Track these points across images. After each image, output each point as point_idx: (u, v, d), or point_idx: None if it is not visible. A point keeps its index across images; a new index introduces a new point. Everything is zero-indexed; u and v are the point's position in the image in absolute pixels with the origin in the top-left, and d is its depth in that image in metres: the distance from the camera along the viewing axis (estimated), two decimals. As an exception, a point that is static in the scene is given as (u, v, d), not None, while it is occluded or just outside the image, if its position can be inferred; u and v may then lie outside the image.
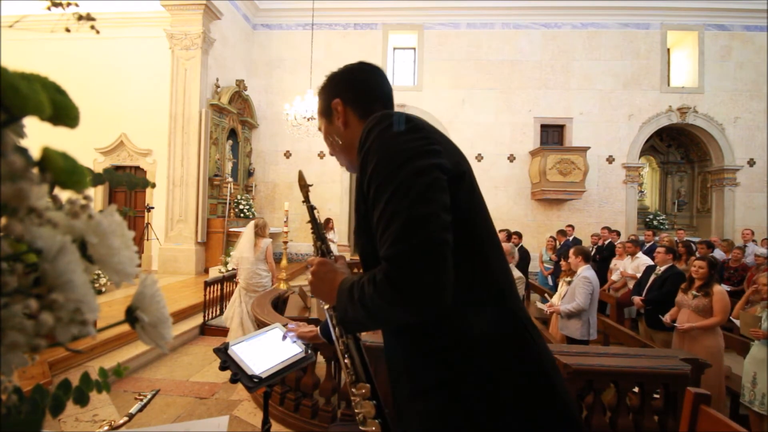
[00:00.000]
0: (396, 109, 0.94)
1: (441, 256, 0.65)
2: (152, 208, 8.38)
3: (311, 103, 7.55)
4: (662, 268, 4.28)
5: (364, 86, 0.98)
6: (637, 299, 4.42)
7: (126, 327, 0.40)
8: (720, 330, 3.45)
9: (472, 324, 0.74)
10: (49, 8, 1.92)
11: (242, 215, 8.92)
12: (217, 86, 8.58)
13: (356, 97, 0.96)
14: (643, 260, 5.46)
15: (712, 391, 3.12)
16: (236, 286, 4.62)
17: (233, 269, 4.59)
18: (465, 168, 0.81)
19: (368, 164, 0.75)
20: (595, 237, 7.72)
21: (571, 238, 7.50)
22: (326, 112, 1.00)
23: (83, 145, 8.31)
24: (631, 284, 5.43)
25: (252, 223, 4.55)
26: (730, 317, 4.11)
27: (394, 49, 10.63)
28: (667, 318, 3.66)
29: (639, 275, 5.02)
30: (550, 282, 7.13)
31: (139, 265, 0.39)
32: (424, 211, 0.66)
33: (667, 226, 10.36)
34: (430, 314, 0.67)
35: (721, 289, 3.41)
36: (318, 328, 1.43)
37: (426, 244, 0.65)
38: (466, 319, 0.74)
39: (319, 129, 1.04)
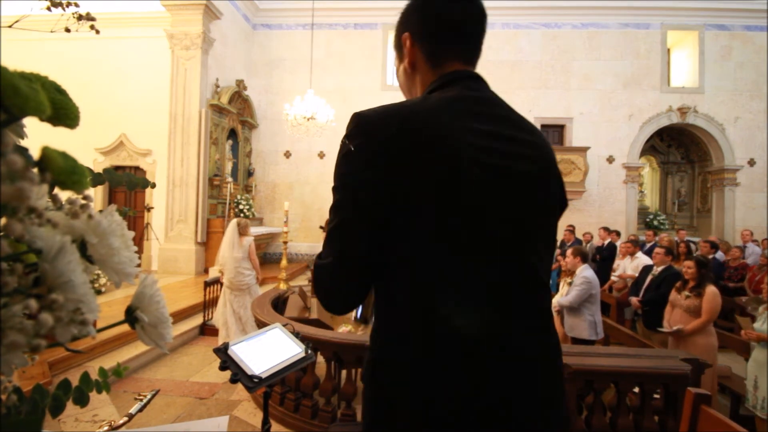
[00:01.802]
0: None
1: (341, 283, 0.73)
2: (152, 208, 8.38)
3: (311, 103, 7.55)
4: (659, 269, 4.27)
5: (438, 20, 0.79)
6: (634, 300, 4.40)
7: (126, 327, 0.40)
8: (713, 329, 3.45)
9: (395, 342, 0.71)
10: (49, 8, 1.93)
11: (242, 215, 8.92)
12: (217, 86, 8.58)
13: (427, 34, 0.80)
14: (642, 260, 5.46)
15: (705, 390, 3.13)
16: (221, 287, 4.62)
17: (220, 272, 4.60)
18: (425, 179, 0.66)
19: None
20: (587, 235, 7.71)
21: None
22: (398, 47, 0.86)
23: (83, 145, 8.31)
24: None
25: (234, 222, 4.54)
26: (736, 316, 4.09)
27: (395, 65, 10.63)
28: (665, 325, 3.63)
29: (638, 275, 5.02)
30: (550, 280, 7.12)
31: (139, 265, 0.39)
32: (333, 248, 0.71)
33: (667, 226, 10.37)
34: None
35: (713, 290, 3.39)
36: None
37: (328, 273, 0.72)
38: (389, 338, 0.72)
39: (394, 65, 0.93)
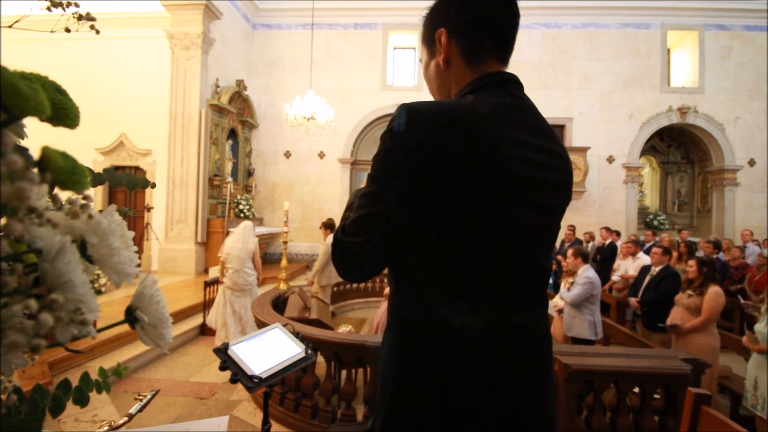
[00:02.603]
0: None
1: (370, 264, 0.74)
2: (152, 208, 8.38)
3: (311, 103, 7.55)
4: (657, 269, 4.27)
5: (479, 17, 0.78)
6: (633, 301, 4.39)
7: (126, 327, 0.40)
8: (715, 330, 3.44)
9: (401, 337, 0.74)
10: (49, 8, 1.92)
11: (242, 215, 8.92)
12: (217, 86, 8.58)
13: (464, 31, 0.79)
14: (644, 260, 5.44)
15: (704, 390, 3.13)
16: (218, 287, 4.65)
17: (221, 272, 4.59)
18: (470, 183, 0.67)
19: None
20: (587, 235, 7.73)
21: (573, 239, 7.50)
22: (429, 41, 0.85)
23: (83, 145, 8.31)
24: (633, 285, 5.42)
25: (251, 225, 4.58)
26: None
27: (394, 48, 10.63)
28: (668, 321, 3.64)
29: (640, 275, 5.01)
30: (550, 280, 7.14)
31: (139, 265, 0.39)
32: (369, 233, 0.71)
33: (667, 226, 10.36)
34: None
35: (715, 290, 3.39)
36: None
37: (358, 254, 0.73)
38: (396, 331, 0.75)
39: (420, 60, 0.92)
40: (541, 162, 0.75)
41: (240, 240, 4.44)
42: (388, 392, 0.73)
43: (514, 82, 0.80)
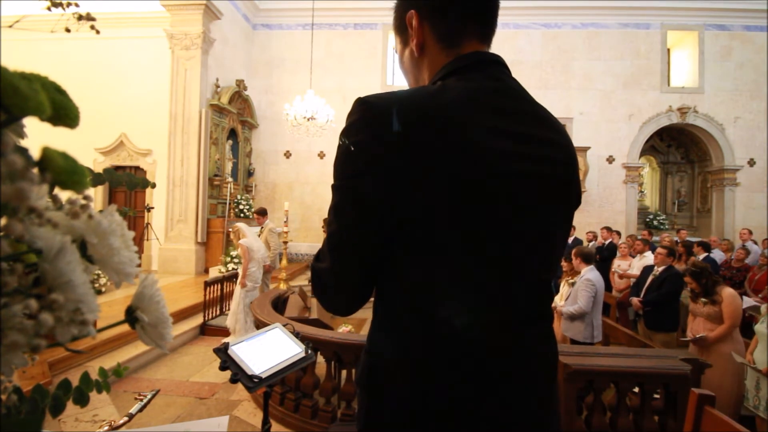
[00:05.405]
0: None
1: (338, 287, 0.70)
2: (152, 208, 8.39)
3: (311, 103, 7.55)
4: (660, 269, 4.26)
5: None
6: (635, 300, 4.39)
7: (126, 327, 0.40)
8: (738, 335, 3.28)
9: (394, 343, 0.70)
10: (49, 8, 1.92)
11: (242, 215, 8.92)
12: (217, 86, 8.58)
13: (437, 10, 0.70)
14: (650, 259, 5.39)
15: (731, 395, 3.07)
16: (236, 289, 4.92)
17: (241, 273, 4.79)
18: (439, 183, 0.60)
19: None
20: (590, 234, 7.75)
21: (571, 239, 7.51)
22: (400, 28, 0.76)
23: (83, 145, 8.31)
24: (639, 285, 5.37)
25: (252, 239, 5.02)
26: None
27: (394, 49, 10.64)
28: (688, 333, 3.46)
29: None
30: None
31: (139, 265, 0.39)
32: (332, 255, 0.67)
33: (667, 226, 10.37)
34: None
35: (730, 293, 3.26)
36: None
37: (327, 280, 0.69)
38: (387, 338, 0.72)
39: (395, 50, 0.83)
40: (525, 153, 0.65)
41: (260, 243, 5.05)
42: (378, 395, 0.69)
43: (496, 63, 0.71)
